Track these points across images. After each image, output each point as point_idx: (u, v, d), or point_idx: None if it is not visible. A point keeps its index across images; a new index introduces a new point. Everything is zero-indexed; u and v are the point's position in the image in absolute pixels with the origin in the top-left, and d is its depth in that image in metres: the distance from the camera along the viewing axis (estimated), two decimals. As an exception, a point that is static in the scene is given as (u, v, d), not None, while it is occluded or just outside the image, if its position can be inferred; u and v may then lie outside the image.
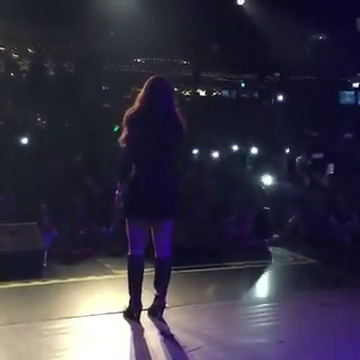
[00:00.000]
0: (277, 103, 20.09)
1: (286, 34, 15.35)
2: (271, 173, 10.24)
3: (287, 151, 13.05)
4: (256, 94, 21.59)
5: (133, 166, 4.72)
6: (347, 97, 20.64)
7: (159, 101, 4.72)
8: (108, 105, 16.44)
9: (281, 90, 19.78)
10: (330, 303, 5.39)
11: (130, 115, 4.74)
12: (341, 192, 8.95)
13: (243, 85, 21.94)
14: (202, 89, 20.56)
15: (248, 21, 15.42)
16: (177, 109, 4.83)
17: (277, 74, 20.84)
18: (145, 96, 4.75)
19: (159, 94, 4.73)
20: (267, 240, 8.09)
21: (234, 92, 21.61)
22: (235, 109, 17.67)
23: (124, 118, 4.76)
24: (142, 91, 4.81)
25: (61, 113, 14.26)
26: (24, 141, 11.54)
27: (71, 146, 11.44)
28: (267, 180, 9.86)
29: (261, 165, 11.14)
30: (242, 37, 16.49)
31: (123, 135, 4.75)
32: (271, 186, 9.81)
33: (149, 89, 4.76)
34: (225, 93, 21.76)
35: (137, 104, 4.78)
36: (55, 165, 10.15)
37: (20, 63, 17.24)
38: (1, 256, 6.13)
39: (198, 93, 20.25)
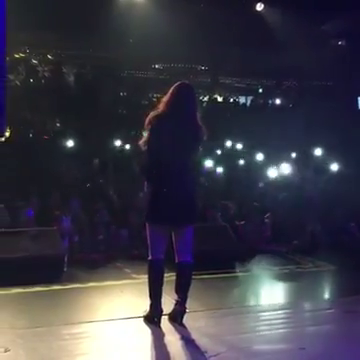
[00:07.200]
0: (294, 108, 19.97)
1: (305, 40, 15.25)
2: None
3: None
4: (274, 100, 21.49)
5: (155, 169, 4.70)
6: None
7: (183, 107, 4.74)
8: (125, 111, 16.50)
9: (299, 96, 19.66)
10: (353, 310, 5.33)
11: (153, 117, 4.74)
12: None
13: (260, 91, 21.86)
14: (220, 95, 20.55)
15: (267, 27, 15.39)
16: (198, 115, 4.83)
17: (294, 81, 20.74)
18: (170, 100, 4.77)
19: (184, 100, 4.76)
20: (286, 246, 8.05)
21: (250, 98, 21.55)
22: (252, 114, 17.63)
23: (147, 120, 4.76)
24: (167, 95, 4.83)
25: (79, 118, 14.34)
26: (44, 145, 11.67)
27: (89, 151, 11.54)
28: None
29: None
30: (260, 43, 16.46)
31: (144, 138, 4.76)
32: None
33: (175, 95, 4.78)
34: (242, 99, 21.71)
35: (161, 107, 4.80)
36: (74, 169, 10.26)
37: (39, 69, 17.37)
38: (23, 260, 6.21)
39: (216, 99, 20.26)
